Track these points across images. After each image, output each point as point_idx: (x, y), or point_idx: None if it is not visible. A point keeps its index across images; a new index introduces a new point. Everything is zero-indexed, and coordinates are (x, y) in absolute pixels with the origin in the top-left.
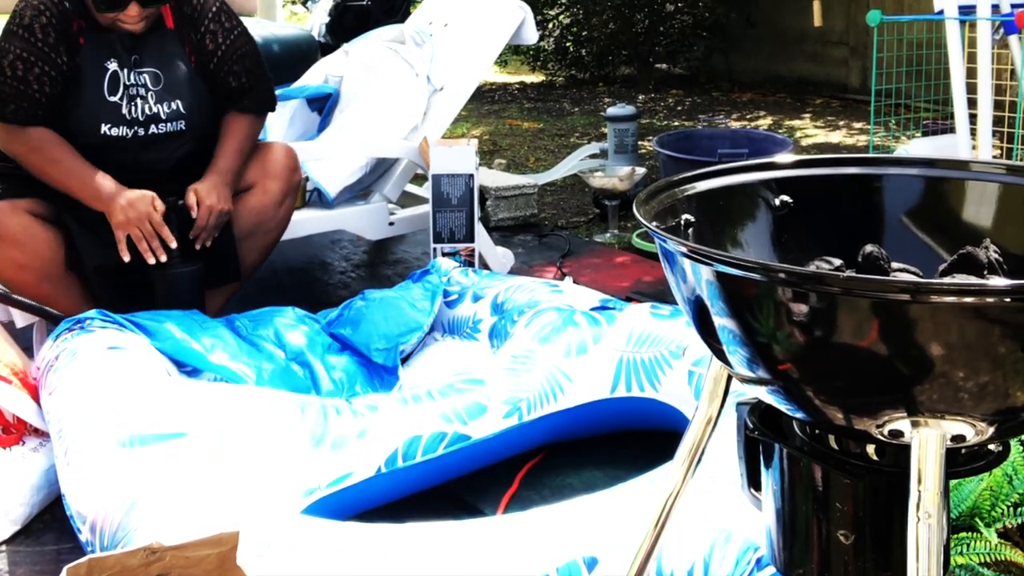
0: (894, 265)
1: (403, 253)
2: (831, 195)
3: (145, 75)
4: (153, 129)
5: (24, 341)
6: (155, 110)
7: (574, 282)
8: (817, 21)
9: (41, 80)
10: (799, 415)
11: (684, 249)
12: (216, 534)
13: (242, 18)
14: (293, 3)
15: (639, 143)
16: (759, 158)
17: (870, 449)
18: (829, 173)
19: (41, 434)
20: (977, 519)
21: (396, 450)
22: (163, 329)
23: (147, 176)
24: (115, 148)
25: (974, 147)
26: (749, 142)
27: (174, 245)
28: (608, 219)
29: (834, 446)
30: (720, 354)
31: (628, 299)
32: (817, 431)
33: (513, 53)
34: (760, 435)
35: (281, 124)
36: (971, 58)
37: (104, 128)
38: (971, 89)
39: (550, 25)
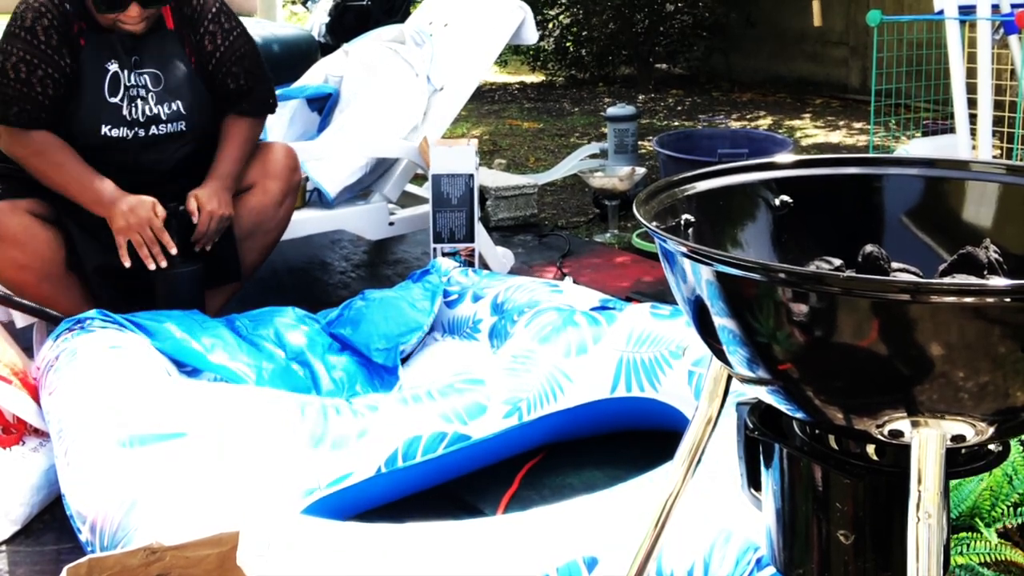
0: (894, 265)
1: (403, 253)
2: (831, 195)
3: (145, 76)
4: (153, 130)
5: (24, 341)
6: (155, 111)
7: (574, 282)
8: (816, 21)
9: (44, 83)
10: (799, 415)
11: (684, 249)
12: (216, 534)
13: (242, 18)
14: (293, 3)
15: (639, 143)
16: (759, 158)
17: (870, 449)
18: (829, 173)
19: (41, 434)
20: (977, 519)
21: (396, 450)
22: (163, 329)
23: (147, 177)
24: (115, 149)
25: (974, 147)
26: (749, 142)
27: (174, 251)
28: (608, 219)
29: (834, 446)
30: (720, 354)
31: (628, 299)
32: (817, 431)
33: (513, 53)
34: (760, 435)
35: (281, 124)
36: (971, 58)
37: (104, 129)
38: (971, 89)
39: (550, 25)
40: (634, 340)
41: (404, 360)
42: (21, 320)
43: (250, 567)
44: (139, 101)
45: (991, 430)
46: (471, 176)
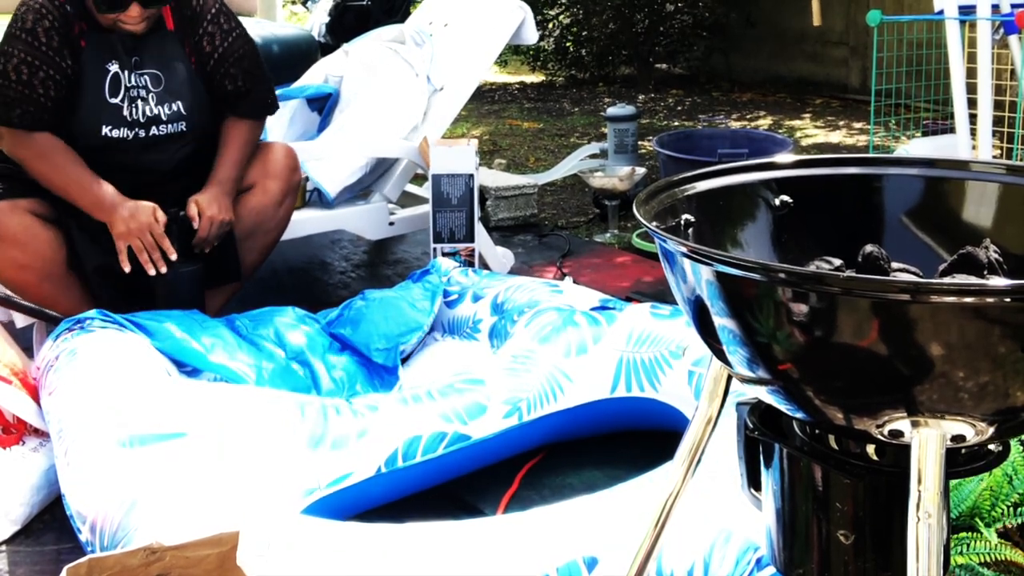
0: (894, 265)
1: (403, 253)
2: (831, 195)
3: (146, 77)
4: (154, 131)
5: (24, 341)
6: (156, 111)
7: (574, 282)
8: (816, 20)
9: (46, 84)
10: (799, 415)
11: (684, 249)
12: (216, 534)
13: (242, 18)
14: (293, 3)
15: (639, 143)
16: (759, 158)
17: (870, 449)
18: (829, 173)
19: (41, 434)
20: (977, 519)
21: (396, 450)
22: (163, 329)
23: (148, 177)
24: (116, 150)
25: (974, 147)
26: (749, 142)
27: (174, 257)
28: (608, 219)
29: (834, 446)
30: (720, 354)
31: (628, 299)
32: (817, 431)
33: (513, 53)
34: (760, 435)
35: (281, 124)
36: (971, 58)
37: (105, 130)
38: (971, 89)
39: (550, 25)
40: (634, 340)
41: (404, 360)
42: (21, 320)
43: (250, 567)
44: (139, 102)
45: (991, 430)
46: (471, 176)
